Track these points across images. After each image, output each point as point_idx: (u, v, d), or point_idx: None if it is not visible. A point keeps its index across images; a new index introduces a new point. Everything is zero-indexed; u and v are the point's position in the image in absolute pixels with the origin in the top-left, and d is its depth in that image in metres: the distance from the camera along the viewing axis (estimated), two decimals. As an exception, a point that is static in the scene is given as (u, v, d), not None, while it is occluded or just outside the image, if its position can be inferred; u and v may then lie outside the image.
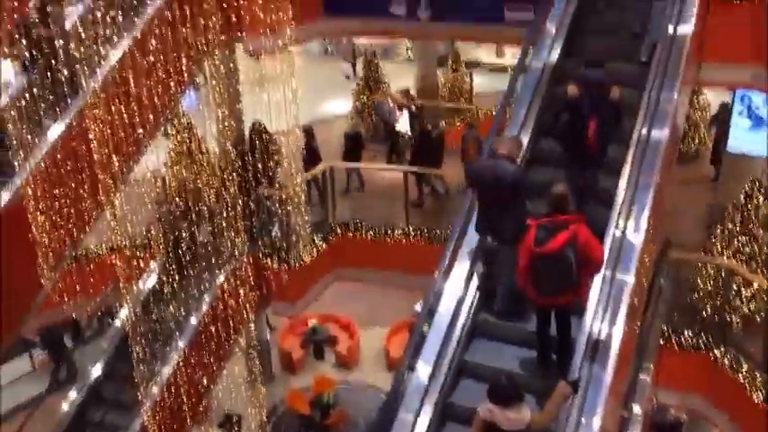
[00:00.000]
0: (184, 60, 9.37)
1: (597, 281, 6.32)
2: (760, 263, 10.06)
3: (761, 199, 10.07)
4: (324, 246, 12.16)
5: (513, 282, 6.37)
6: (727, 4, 8.63)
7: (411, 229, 12.20)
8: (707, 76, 9.25)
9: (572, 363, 6.09)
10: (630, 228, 6.69)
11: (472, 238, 7.05)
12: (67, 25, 8.91)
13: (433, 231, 12.05)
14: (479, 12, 11.08)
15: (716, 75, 9.22)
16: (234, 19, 10.07)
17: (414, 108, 16.40)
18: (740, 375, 9.33)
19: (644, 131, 7.31)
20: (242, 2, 10.08)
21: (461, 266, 6.96)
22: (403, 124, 15.95)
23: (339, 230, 12.46)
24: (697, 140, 15.15)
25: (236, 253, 10.89)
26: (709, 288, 10.13)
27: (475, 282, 6.96)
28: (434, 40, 18.57)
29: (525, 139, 7.73)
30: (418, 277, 10.41)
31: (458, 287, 6.85)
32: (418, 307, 7.14)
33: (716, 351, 9.67)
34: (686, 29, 7.90)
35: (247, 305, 11.14)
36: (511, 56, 22.04)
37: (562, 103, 7.17)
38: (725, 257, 10.15)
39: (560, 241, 5.78)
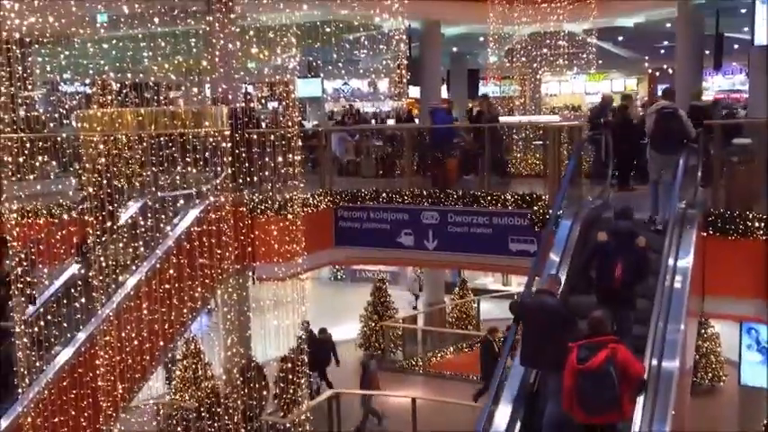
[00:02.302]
0: (199, 288, 9.62)
1: None
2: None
3: (783, 435, 9.71)
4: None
5: (559, 408, 6.60)
6: (725, 240, 8.97)
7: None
8: (712, 308, 9.36)
9: None
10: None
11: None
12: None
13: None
14: (484, 243, 11.53)
15: (721, 307, 9.32)
16: (250, 248, 10.50)
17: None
18: None
19: (654, 363, 7.25)
20: (259, 233, 10.58)
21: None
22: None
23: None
24: (711, 374, 14.92)
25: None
26: None
27: None
28: (441, 268, 19.11)
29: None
30: None
31: None
32: None
33: None
34: (686, 262, 8.15)
35: None
36: (516, 284, 22.46)
37: (593, 248, 7.99)
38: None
39: (601, 357, 6.18)
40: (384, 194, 12.15)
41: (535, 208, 10.69)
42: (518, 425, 7.15)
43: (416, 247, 12.07)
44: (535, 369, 7.34)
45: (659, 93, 23.90)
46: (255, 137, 10.94)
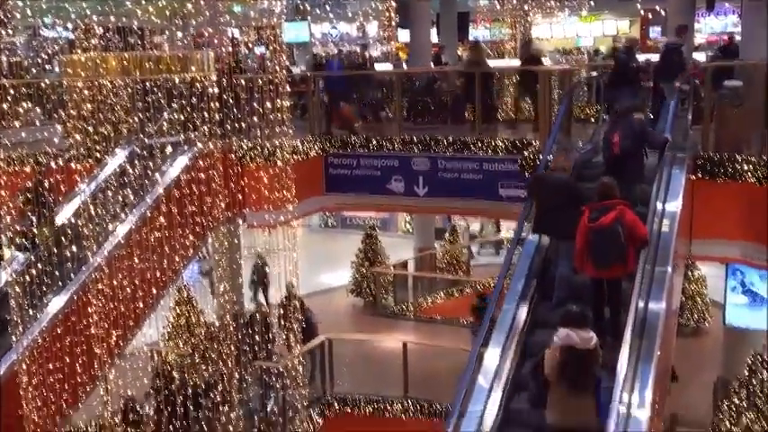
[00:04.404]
0: (190, 236, 9.62)
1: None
2: (772, 441, 9.73)
3: (765, 374, 9.93)
4: (320, 421, 11.80)
5: (569, 269, 7.47)
6: (713, 183, 9.01)
7: (410, 402, 11.90)
8: (699, 251, 9.46)
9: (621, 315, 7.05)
10: (635, 403, 6.53)
11: (473, 413, 6.88)
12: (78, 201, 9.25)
13: (433, 405, 11.74)
14: (475, 189, 11.55)
15: (708, 250, 9.43)
16: (240, 196, 10.48)
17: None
18: None
19: (641, 305, 7.36)
20: (249, 180, 10.54)
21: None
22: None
23: (336, 405, 12.14)
24: (696, 315, 15.20)
25: (230, 428, 10.53)
26: (722, 468, 9.73)
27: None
28: (432, 214, 19.17)
29: (524, 309, 7.80)
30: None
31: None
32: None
33: None
34: (674, 206, 8.20)
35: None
36: (506, 229, 22.60)
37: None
38: (735, 435, 9.83)
39: (611, 217, 6.89)
40: (374, 141, 12.08)
41: (525, 153, 10.67)
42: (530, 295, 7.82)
43: (407, 193, 12.07)
44: (548, 236, 8.13)
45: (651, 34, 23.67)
46: (243, 82, 10.80)
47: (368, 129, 12.95)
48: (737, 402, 9.98)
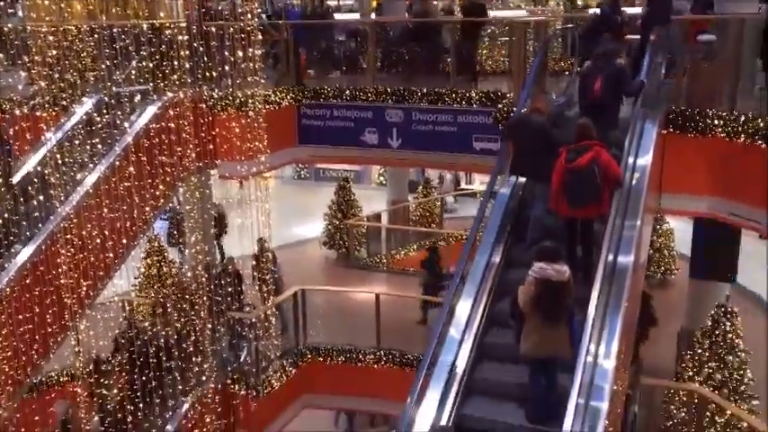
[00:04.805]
0: (160, 185, 9.50)
1: (572, 409, 6.21)
2: (731, 389, 10.04)
3: (727, 324, 10.19)
4: (293, 371, 11.92)
5: (543, 210, 7.66)
6: (684, 137, 9.08)
7: (382, 353, 12.06)
8: (669, 204, 9.58)
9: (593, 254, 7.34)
10: (602, 353, 6.67)
11: (444, 362, 6.99)
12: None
13: (405, 356, 11.92)
14: (449, 142, 11.52)
15: (677, 204, 9.54)
16: (211, 146, 10.34)
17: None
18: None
19: (610, 258, 7.46)
20: (221, 130, 10.38)
21: (433, 393, 6.83)
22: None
23: (309, 355, 12.26)
24: (663, 268, 15.50)
25: (204, 378, 10.60)
26: (683, 415, 10.03)
27: (448, 406, 6.84)
28: (405, 167, 19.15)
29: (498, 256, 7.97)
30: (390, 402, 10.23)
31: (429, 415, 6.69)
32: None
33: (694, 481, 9.47)
34: (645, 160, 8.26)
35: (213, 435, 10.73)
36: (480, 182, 22.71)
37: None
38: (696, 384, 10.12)
39: (587, 158, 7.09)
40: (348, 92, 11.95)
41: (500, 106, 10.63)
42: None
43: (380, 145, 12.00)
44: (524, 177, 8.32)
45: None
46: (214, 30, 10.55)
47: (341, 80, 12.79)
48: (700, 352, 10.26)
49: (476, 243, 8.22)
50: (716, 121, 8.87)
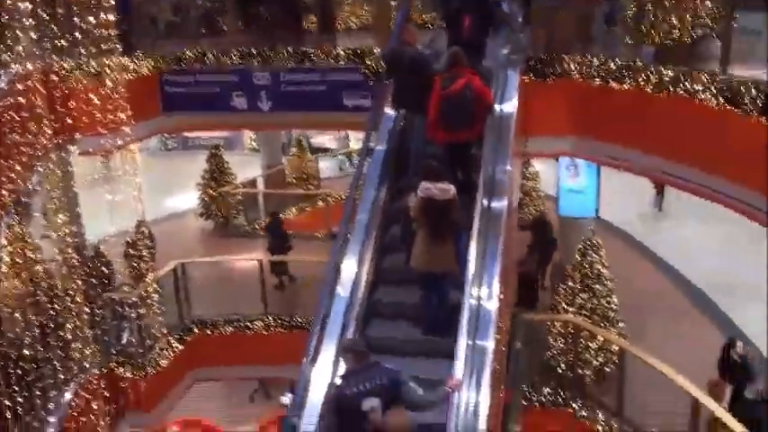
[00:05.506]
0: (16, 166, 8.87)
1: (461, 354, 6.45)
2: (600, 316, 10.78)
3: (594, 256, 10.87)
4: (180, 347, 11.65)
5: (425, 143, 7.99)
6: (544, 83, 9.47)
7: (271, 318, 12.00)
8: (534, 147, 10.03)
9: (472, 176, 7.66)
10: (484, 295, 6.96)
11: (336, 321, 7.07)
12: None
13: (294, 318, 11.93)
14: (319, 101, 11.43)
15: (542, 146, 10.01)
16: (69, 120, 9.74)
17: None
18: (598, 426, 9.81)
19: (485, 203, 7.75)
20: (77, 103, 9.79)
21: (328, 352, 6.90)
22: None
23: (196, 329, 12.02)
24: (532, 208, 16.27)
25: (86, 365, 10.16)
26: (561, 345, 10.68)
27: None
28: (277, 129, 18.88)
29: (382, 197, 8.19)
30: (283, 367, 10.24)
31: (326, 373, 6.76)
32: (286, 399, 6.97)
33: (574, 405, 10.14)
34: (511, 106, 8.57)
35: (101, 420, 10.34)
36: (355, 140, 22.78)
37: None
38: (570, 314, 10.78)
39: (461, 84, 7.43)
40: (210, 55, 11.54)
41: (368, 62, 10.65)
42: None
43: (250, 109, 11.72)
44: (404, 109, 8.50)
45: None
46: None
47: (202, 42, 12.34)
48: (572, 285, 10.90)
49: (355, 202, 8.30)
50: (572, 65, 9.32)
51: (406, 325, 7.50)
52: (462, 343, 6.43)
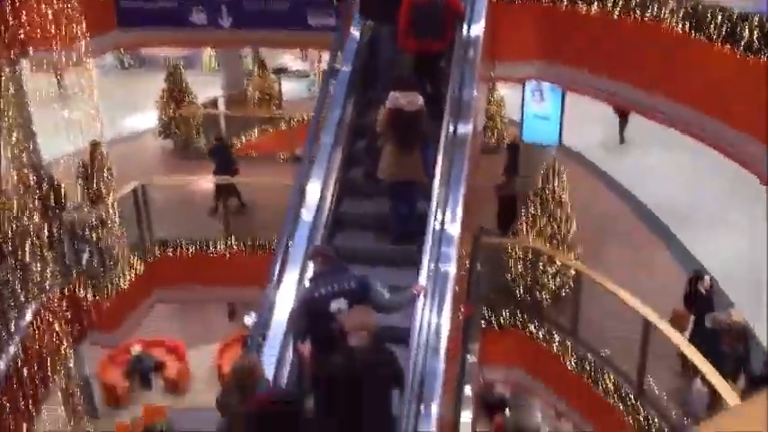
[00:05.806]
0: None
1: (426, 261, 6.53)
2: (560, 240, 11.00)
3: (556, 181, 11.00)
4: (142, 268, 11.59)
5: (394, 53, 8.06)
6: (511, 5, 9.29)
7: (233, 240, 11.97)
8: (500, 72, 9.93)
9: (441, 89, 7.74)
10: (448, 219, 7.02)
11: (299, 245, 7.08)
12: None
13: (257, 241, 11.92)
14: (282, 18, 11.09)
15: (508, 71, 9.91)
16: (20, 34, 9.30)
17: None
18: (554, 346, 10.15)
19: (451, 128, 7.71)
20: (27, 16, 9.33)
21: (292, 273, 6.93)
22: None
23: (158, 250, 11.94)
24: (496, 134, 16.30)
25: (46, 286, 10.06)
26: (520, 269, 10.92)
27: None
28: (238, 47, 18.35)
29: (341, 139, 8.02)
30: (246, 289, 10.29)
31: (290, 296, 6.81)
32: (249, 320, 7.05)
33: (531, 326, 10.44)
34: (478, 29, 8.43)
35: (63, 341, 10.34)
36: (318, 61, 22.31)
37: None
38: (530, 239, 10.98)
39: None
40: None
41: (333, -22, 10.31)
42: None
43: (210, 24, 11.33)
44: (371, 20, 8.53)
45: None
46: None
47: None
48: (533, 211, 11.05)
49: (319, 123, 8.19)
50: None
51: (374, 235, 7.66)
52: (428, 250, 6.53)
